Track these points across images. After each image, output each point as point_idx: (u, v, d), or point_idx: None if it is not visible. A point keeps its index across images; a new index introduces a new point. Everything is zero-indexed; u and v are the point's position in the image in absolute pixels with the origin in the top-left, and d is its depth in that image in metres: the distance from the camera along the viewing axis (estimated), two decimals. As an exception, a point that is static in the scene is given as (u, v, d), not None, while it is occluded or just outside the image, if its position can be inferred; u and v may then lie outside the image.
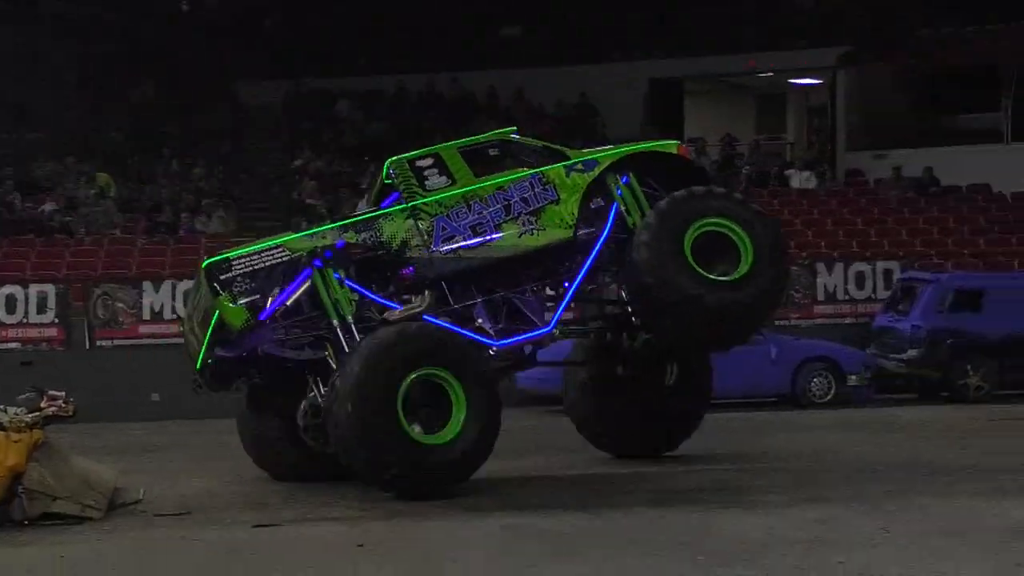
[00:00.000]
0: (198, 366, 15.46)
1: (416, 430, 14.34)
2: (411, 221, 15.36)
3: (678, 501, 13.98)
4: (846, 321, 28.73)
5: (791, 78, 41.63)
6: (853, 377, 25.16)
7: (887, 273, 29.20)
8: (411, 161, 15.76)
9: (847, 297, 29.02)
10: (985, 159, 35.32)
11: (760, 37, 38.66)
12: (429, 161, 15.74)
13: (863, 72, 38.66)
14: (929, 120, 38.39)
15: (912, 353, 25.08)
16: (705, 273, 15.33)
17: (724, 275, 15.45)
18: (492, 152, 16.23)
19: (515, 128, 17.05)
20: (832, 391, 24.99)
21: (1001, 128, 36.82)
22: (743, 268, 15.54)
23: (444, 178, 15.60)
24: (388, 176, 15.83)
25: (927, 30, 37.65)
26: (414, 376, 14.36)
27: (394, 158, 15.89)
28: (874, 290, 29.09)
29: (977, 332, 24.93)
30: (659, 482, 15.49)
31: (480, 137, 16.57)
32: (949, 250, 31.91)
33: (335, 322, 15.02)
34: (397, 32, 38.99)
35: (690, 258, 15.33)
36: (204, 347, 15.19)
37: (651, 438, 17.24)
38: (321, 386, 15.13)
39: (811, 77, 41.10)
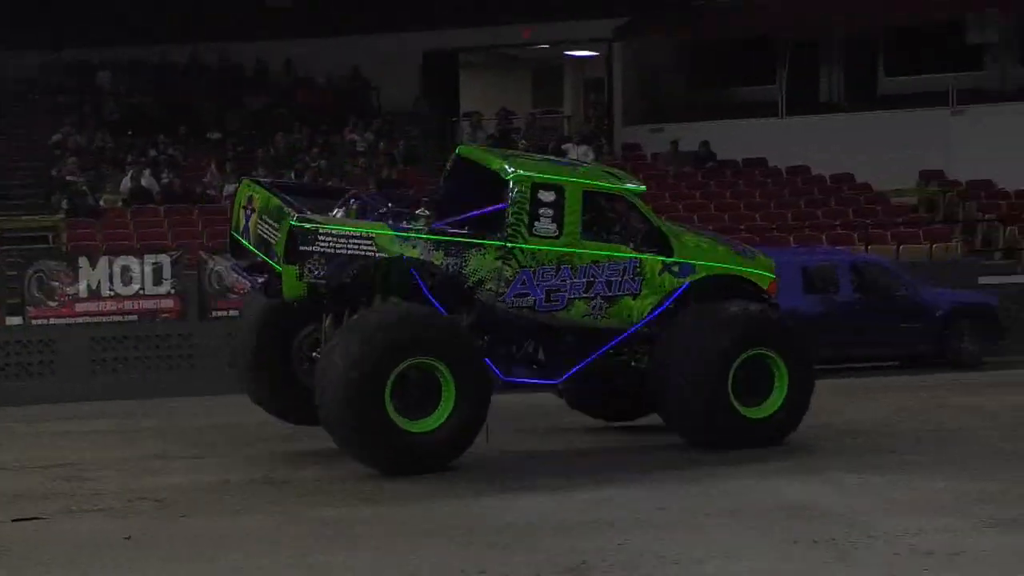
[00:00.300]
0: (232, 231, 15.68)
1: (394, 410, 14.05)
2: (499, 264, 14.91)
3: (457, 487, 13.71)
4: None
5: (567, 50, 41.54)
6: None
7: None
8: (535, 186, 15.08)
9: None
10: (761, 132, 35.74)
11: (536, 8, 38.34)
12: (551, 196, 15.06)
13: (640, 44, 38.65)
14: (705, 93, 38.59)
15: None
16: (742, 411, 15.39)
17: (752, 403, 15.48)
18: (615, 207, 16.16)
19: (645, 188, 16.42)
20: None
21: (776, 101, 37.12)
22: (776, 399, 15.60)
23: (554, 226, 15.06)
24: (506, 178, 15.05)
25: (703, 2, 37.74)
26: (407, 363, 14.04)
27: (524, 174, 15.12)
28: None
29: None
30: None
31: (611, 186, 15.95)
32: (726, 226, 31.91)
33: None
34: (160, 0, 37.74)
35: (732, 396, 15.34)
36: (246, 246, 15.28)
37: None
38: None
39: (587, 49, 41.05)
